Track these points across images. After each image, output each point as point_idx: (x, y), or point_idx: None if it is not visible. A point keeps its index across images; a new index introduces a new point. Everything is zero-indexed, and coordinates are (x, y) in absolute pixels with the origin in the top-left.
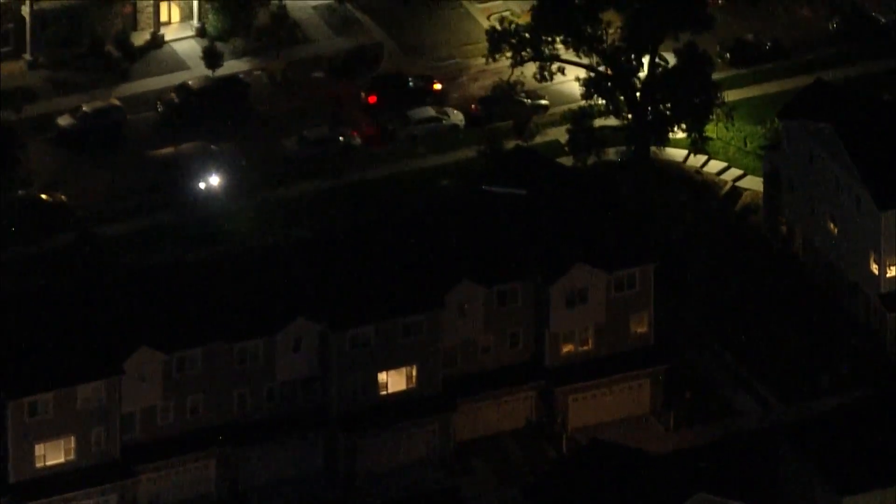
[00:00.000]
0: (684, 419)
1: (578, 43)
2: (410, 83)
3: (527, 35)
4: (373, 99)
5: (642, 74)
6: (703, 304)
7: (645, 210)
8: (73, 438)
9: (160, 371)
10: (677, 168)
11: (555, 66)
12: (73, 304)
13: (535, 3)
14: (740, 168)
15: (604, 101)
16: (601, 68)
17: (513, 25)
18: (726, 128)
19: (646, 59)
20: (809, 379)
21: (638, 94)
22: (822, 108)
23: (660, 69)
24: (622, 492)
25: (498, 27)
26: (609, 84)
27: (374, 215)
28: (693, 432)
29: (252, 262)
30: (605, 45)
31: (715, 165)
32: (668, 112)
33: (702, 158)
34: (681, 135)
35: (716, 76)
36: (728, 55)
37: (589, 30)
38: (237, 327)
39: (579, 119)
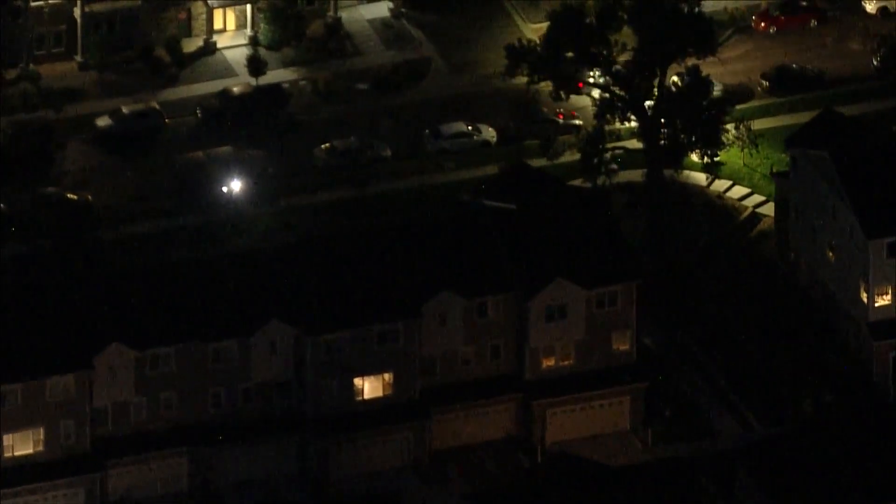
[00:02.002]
0: (662, 437)
1: (590, 63)
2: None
3: (542, 54)
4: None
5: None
6: (702, 326)
7: (657, 232)
8: (41, 430)
9: (132, 367)
10: (700, 192)
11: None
12: (49, 298)
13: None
14: (764, 194)
15: (620, 123)
16: (616, 89)
17: (530, 44)
18: (750, 154)
19: (655, 82)
20: (793, 404)
21: (649, 116)
22: (825, 137)
23: (666, 93)
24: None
25: (516, 45)
26: (621, 105)
27: (366, 223)
28: (670, 450)
29: (234, 265)
30: (616, 67)
31: (739, 191)
32: (676, 135)
33: (726, 183)
34: (695, 158)
35: (753, 104)
36: (766, 83)
37: (600, 50)
38: (212, 327)
39: (592, 141)
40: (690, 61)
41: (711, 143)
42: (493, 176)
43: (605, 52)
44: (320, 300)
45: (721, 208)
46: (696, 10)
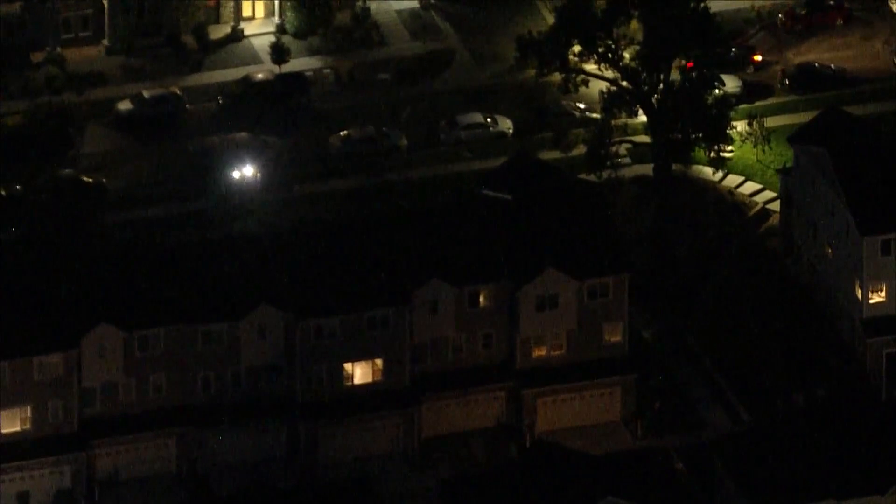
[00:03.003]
0: (652, 428)
1: (597, 57)
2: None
3: (548, 46)
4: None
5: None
6: (702, 320)
7: (663, 225)
8: (29, 408)
9: (121, 348)
10: (712, 187)
11: (579, 79)
12: (39, 278)
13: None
14: (775, 191)
15: (627, 116)
16: (624, 83)
17: (540, 36)
18: (763, 150)
19: (666, 76)
20: (784, 398)
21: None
22: (826, 133)
23: (670, 87)
24: (538, 490)
25: (526, 37)
26: (628, 99)
27: (364, 211)
28: (660, 441)
29: (226, 249)
30: (622, 60)
31: (750, 187)
32: (682, 130)
33: (739, 179)
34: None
35: (772, 101)
36: (787, 81)
37: (608, 43)
38: (201, 310)
39: (598, 134)
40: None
41: (718, 138)
42: (497, 167)
43: (612, 45)
44: (310, 285)
45: (732, 204)
46: (702, 4)
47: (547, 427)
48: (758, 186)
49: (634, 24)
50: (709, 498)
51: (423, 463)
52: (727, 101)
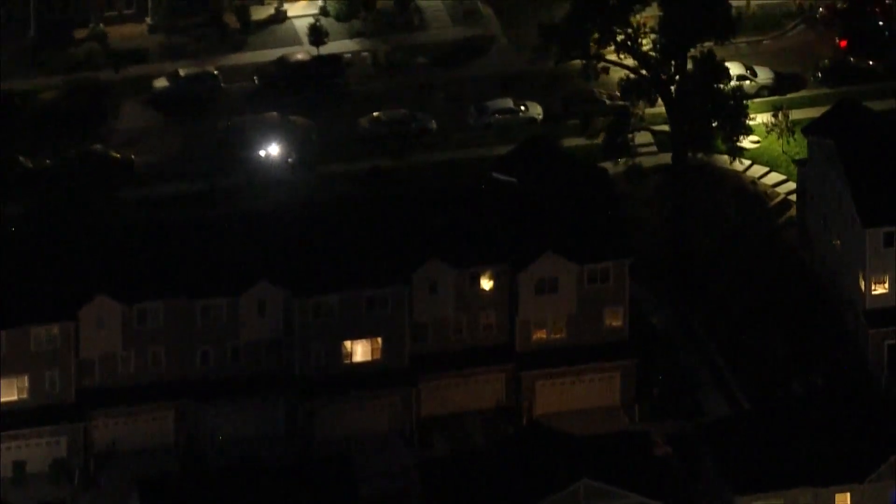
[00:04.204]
0: (650, 414)
1: (616, 45)
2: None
3: (565, 32)
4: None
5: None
6: (712, 308)
7: (679, 213)
8: (26, 378)
9: (119, 321)
10: (734, 176)
11: (599, 66)
12: (40, 248)
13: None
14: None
15: (646, 105)
16: (643, 72)
17: (561, 23)
18: (787, 141)
19: (682, 66)
20: (784, 386)
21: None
22: (837, 125)
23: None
24: (517, 471)
25: (547, 23)
26: (647, 87)
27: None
28: (657, 427)
29: (230, 225)
30: (639, 48)
31: (774, 177)
32: (699, 119)
33: (763, 169)
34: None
35: (804, 93)
36: (820, 74)
37: (627, 31)
38: (201, 285)
39: (617, 121)
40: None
41: (735, 128)
42: (511, 150)
43: (630, 33)
44: (310, 263)
45: (753, 194)
46: None
47: (545, 410)
48: (781, 177)
49: (652, 13)
50: (691, 482)
51: (420, 442)
52: (744, 91)
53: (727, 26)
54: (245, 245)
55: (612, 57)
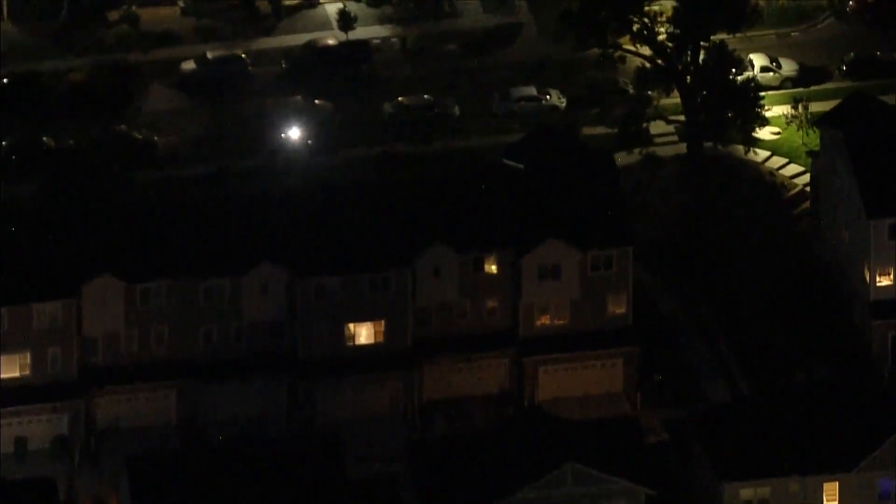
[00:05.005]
0: (651, 401)
1: (631, 34)
2: None
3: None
4: None
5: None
6: (722, 295)
7: (694, 203)
8: (28, 355)
9: (122, 299)
10: (753, 167)
11: (616, 54)
12: (45, 225)
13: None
14: None
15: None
16: (658, 61)
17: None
18: (806, 133)
19: (695, 56)
20: (786, 375)
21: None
22: (846, 117)
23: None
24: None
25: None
26: (661, 77)
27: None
28: (659, 414)
29: (234, 206)
30: (655, 37)
31: (793, 169)
32: (713, 110)
33: (782, 160)
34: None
35: (828, 86)
36: (845, 67)
37: (643, 20)
38: (204, 265)
39: (632, 111)
40: None
41: (748, 119)
42: (521, 138)
43: (647, 21)
44: (313, 244)
45: (771, 184)
46: None
47: (548, 395)
48: (800, 169)
49: (668, 2)
50: (681, 469)
51: (421, 426)
52: (758, 82)
53: (741, 16)
54: (249, 226)
55: (629, 46)
